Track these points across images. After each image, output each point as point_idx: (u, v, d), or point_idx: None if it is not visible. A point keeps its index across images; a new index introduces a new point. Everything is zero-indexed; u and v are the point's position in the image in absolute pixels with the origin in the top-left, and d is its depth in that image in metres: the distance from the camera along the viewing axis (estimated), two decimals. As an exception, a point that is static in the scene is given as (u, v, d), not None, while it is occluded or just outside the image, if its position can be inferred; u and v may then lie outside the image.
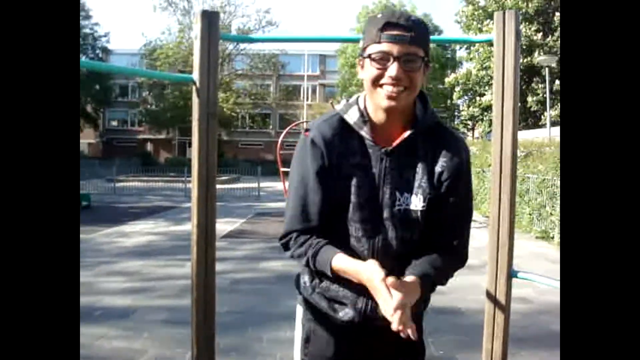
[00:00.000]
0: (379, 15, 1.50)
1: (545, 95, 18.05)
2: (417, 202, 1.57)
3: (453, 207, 1.62)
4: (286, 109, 46.56)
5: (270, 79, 45.88)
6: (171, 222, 12.19)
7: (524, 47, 22.64)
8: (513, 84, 2.13)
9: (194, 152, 2.16)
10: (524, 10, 23.21)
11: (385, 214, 1.58)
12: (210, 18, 2.15)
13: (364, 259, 1.53)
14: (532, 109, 24.14)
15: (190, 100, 2.21)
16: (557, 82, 22.42)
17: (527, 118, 24.36)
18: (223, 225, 11.06)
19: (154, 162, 41.28)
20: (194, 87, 2.16)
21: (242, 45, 41.31)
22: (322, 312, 1.70)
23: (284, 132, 12.84)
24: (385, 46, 1.46)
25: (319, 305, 1.70)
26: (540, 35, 23.11)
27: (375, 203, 1.58)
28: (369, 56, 1.49)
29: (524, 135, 20.23)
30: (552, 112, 20.71)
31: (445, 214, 1.61)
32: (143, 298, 5.75)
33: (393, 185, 1.58)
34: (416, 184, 1.58)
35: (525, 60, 22.53)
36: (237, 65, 41.92)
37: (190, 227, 2.21)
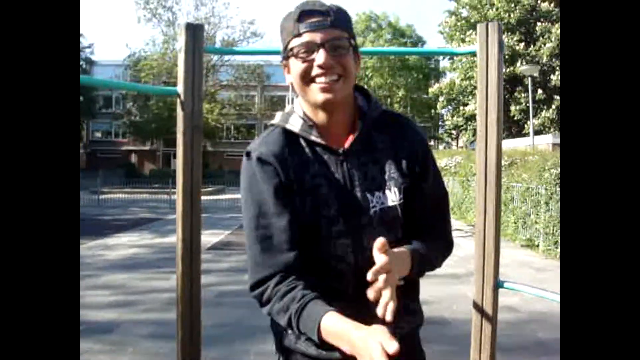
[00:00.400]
0: (293, 10, 1.37)
1: (528, 104, 18.22)
2: (392, 197, 1.42)
3: (429, 191, 1.49)
4: (271, 119, 46.04)
5: (255, 90, 45.88)
6: (156, 235, 12.09)
7: (507, 57, 22.87)
8: (497, 94, 2.15)
9: (178, 166, 2.14)
10: (506, 20, 23.50)
11: (363, 220, 1.39)
12: (194, 30, 2.15)
13: (351, 280, 1.37)
14: (515, 118, 24.37)
15: (175, 111, 2.20)
16: (540, 91, 22.67)
17: (511, 127, 24.58)
18: (208, 237, 10.99)
19: (138, 173, 41.06)
20: (178, 100, 2.14)
21: (226, 57, 41.34)
22: None
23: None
24: (306, 36, 1.32)
25: (307, 352, 1.42)
26: (522, 45, 23.38)
27: (349, 212, 1.39)
28: (291, 51, 1.35)
29: (507, 144, 20.41)
30: (535, 121, 20.92)
31: (423, 201, 1.47)
32: (128, 312, 5.68)
33: (361, 187, 1.41)
34: (385, 177, 1.43)
35: (508, 69, 22.76)
36: (222, 76, 41.90)
37: (175, 239, 2.19)
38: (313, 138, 1.41)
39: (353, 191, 1.40)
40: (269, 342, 4.73)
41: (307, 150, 1.42)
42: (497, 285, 2.22)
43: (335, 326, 1.18)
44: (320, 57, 1.31)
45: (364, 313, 1.22)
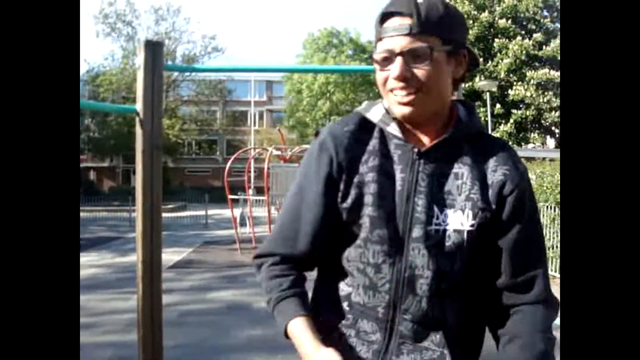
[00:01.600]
0: (383, 8, 1.22)
1: (487, 119, 18.59)
2: (462, 220, 1.20)
3: (523, 233, 1.23)
4: (233, 135, 46.34)
5: (216, 105, 45.63)
6: (116, 254, 11.84)
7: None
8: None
9: (137, 185, 2.11)
10: (464, 36, 23.94)
11: (415, 233, 1.20)
12: (154, 48, 2.13)
13: (381, 295, 1.22)
14: (474, 132, 24.78)
15: (134, 127, 2.17)
16: (498, 105, 23.15)
17: (473, 104, 25.03)
18: (170, 256, 10.81)
19: (97, 191, 40.19)
20: (137, 119, 2.11)
21: (187, 72, 41.05)
22: None
23: (232, 157, 12.71)
24: (385, 43, 1.19)
25: None
26: (481, 60, 23.89)
27: (402, 218, 1.21)
28: (371, 58, 1.23)
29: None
30: (494, 135, 21.30)
31: (514, 243, 1.23)
32: (88, 334, 5.52)
33: (429, 196, 1.21)
34: (462, 196, 1.21)
35: (467, 84, 23.20)
36: (183, 92, 41.57)
37: (135, 258, 2.15)
38: (390, 130, 1.26)
39: (416, 197, 1.21)
40: (234, 361, 4.49)
41: (378, 142, 1.27)
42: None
43: (301, 332, 1.18)
44: (395, 68, 1.17)
45: (387, 340, 1.22)
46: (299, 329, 1.19)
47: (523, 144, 23.55)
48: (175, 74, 38.76)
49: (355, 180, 1.24)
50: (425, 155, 1.23)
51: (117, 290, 7.72)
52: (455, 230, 1.19)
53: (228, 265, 10.15)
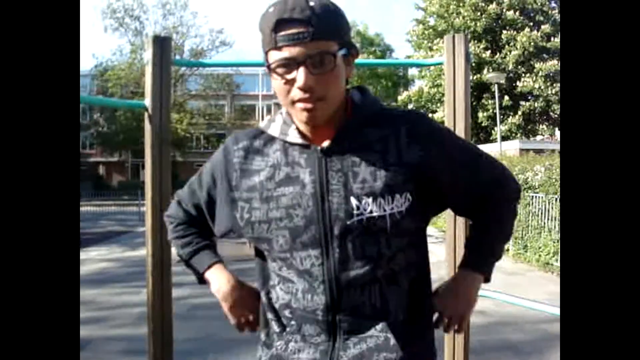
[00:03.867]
0: (270, 9, 1.16)
1: (495, 111, 18.50)
2: (384, 206, 1.19)
3: (463, 179, 1.30)
4: (241, 129, 46.21)
5: (224, 99, 45.67)
6: (125, 248, 11.90)
7: (474, 64, 23.22)
8: (464, 103, 2.18)
9: (146, 180, 2.12)
10: (472, 29, 23.85)
11: (337, 230, 1.19)
12: (162, 43, 2.13)
13: (318, 297, 1.23)
14: (482, 124, 24.70)
15: (143, 122, 2.18)
16: (506, 97, 23.05)
17: (479, 133, 24.91)
18: (179, 249, 10.84)
19: (106, 185, 40.41)
20: (145, 114, 2.12)
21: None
22: None
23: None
24: (284, 52, 1.13)
25: None
26: (488, 52, 23.74)
27: (318, 219, 1.21)
28: (269, 67, 1.18)
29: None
30: (502, 127, 21.26)
31: (460, 191, 1.31)
32: (99, 328, 5.57)
33: (345, 190, 1.20)
34: (379, 182, 1.19)
35: (475, 77, 23.09)
36: (191, 86, 41.61)
37: (145, 252, 2.17)
38: (290, 139, 1.26)
39: (329, 195, 1.20)
40: (242, 355, 4.67)
41: (280, 154, 1.27)
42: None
43: (218, 275, 1.43)
44: (300, 78, 1.13)
45: (332, 339, 1.25)
46: (216, 273, 1.42)
47: (531, 136, 23.44)
48: (183, 68, 38.83)
49: (256, 195, 1.26)
50: (330, 152, 1.23)
51: (127, 284, 7.77)
52: (379, 217, 1.19)
53: (237, 258, 10.17)
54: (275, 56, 1.15)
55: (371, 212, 1.18)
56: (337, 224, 1.20)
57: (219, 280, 1.42)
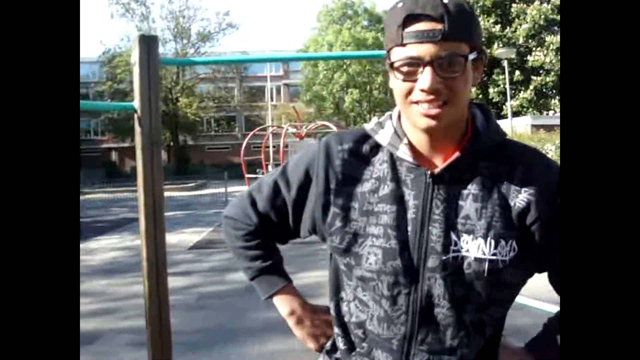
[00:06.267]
0: (399, 4, 1.08)
1: (505, 87, 18.28)
2: (483, 248, 1.11)
3: (551, 253, 1.14)
4: (251, 111, 46.40)
5: (233, 82, 45.66)
6: (137, 236, 11.80)
7: (484, 39, 22.92)
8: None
9: (139, 183, 2.08)
10: (481, 3, 23.52)
11: (431, 262, 1.12)
12: (149, 43, 2.07)
13: (396, 327, 1.16)
14: (493, 100, 24.47)
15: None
16: (517, 72, 22.77)
17: (490, 109, 24.78)
18: (190, 236, 10.92)
19: (119, 171, 40.69)
20: (135, 116, 2.07)
21: (203, 49, 41.06)
22: None
23: (249, 135, 12.70)
24: (411, 49, 1.05)
25: None
26: (498, 27, 23.43)
27: (417, 248, 1.14)
28: (392, 65, 1.09)
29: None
30: (513, 102, 21.02)
31: (550, 250, 1.14)
32: (109, 320, 5.60)
33: (444, 223, 1.13)
34: (482, 222, 1.12)
35: (485, 52, 22.82)
36: (199, 69, 41.62)
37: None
38: (399, 154, 1.17)
39: (430, 225, 1.13)
40: (250, 345, 4.67)
41: (388, 166, 1.19)
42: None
43: (289, 301, 1.36)
44: (425, 79, 1.05)
45: None
46: (288, 297, 1.36)
47: (543, 110, 23.17)
48: (192, 51, 38.76)
49: (356, 206, 1.19)
50: (439, 178, 1.14)
51: (138, 274, 7.75)
52: (476, 259, 1.11)
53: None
54: (399, 54, 1.07)
55: (468, 251, 1.11)
56: (432, 256, 1.13)
57: (291, 305, 1.36)
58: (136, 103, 2.06)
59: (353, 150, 1.22)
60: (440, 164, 1.16)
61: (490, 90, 24.05)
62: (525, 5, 22.78)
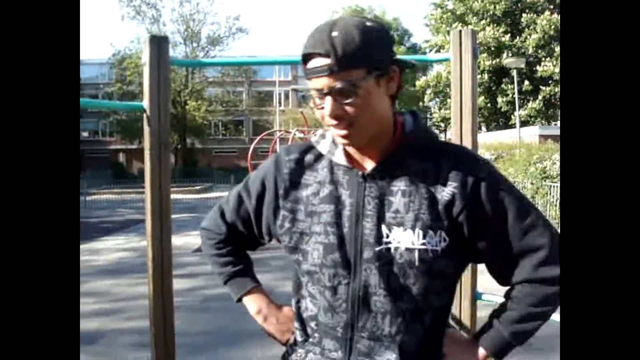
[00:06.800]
0: (304, 42, 1.21)
1: (514, 96, 18.25)
2: (412, 239, 1.20)
3: (495, 238, 1.23)
4: (259, 116, 46.47)
5: (242, 86, 45.72)
6: (143, 237, 11.85)
7: (493, 48, 22.90)
8: (471, 103, 2.11)
9: (146, 184, 2.09)
10: (491, 12, 23.51)
11: (366, 254, 1.23)
12: (159, 43, 2.09)
13: (339, 315, 1.27)
14: (502, 110, 24.42)
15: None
16: (526, 82, 22.73)
17: (498, 118, 24.67)
18: (195, 239, 10.89)
19: (126, 173, 40.81)
20: (144, 116, 2.09)
21: (213, 52, 41.20)
22: None
23: (257, 139, 12.72)
24: (313, 82, 1.19)
25: None
26: (508, 36, 23.41)
27: (353, 241, 1.25)
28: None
29: (494, 136, 20.39)
30: (521, 112, 20.98)
31: (488, 250, 1.25)
32: (112, 320, 5.61)
33: (376, 217, 1.23)
34: (410, 214, 1.21)
35: (494, 61, 22.80)
36: (208, 73, 41.75)
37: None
38: (336, 159, 1.30)
39: (364, 220, 1.24)
40: (253, 348, 4.66)
41: (327, 171, 1.32)
42: (476, 297, 2.18)
43: (258, 301, 1.48)
44: (326, 107, 1.18)
45: (348, 357, 1.28)
46: (256, 297, 1.48)
47: (552, 121, 23.11)
48: (201, 54, 38.90)
49: (301, 208, 1.32)
50: (370, 178, 1.26)
51: (143, 275, 7.76)
52: (406, 249, 1.21)
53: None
54: (309, 86, 1.21)
55: (399, 242, 1.21)
56: (366, 248, 1.23)
57: (258, 304, 1.49)
58: (145, 103, 2.07)
59: (299, 160, 1.37)
60: (372, 165, 1.27)
61: (499, 99, 24.00)
62: (535, 15, 22.76)
